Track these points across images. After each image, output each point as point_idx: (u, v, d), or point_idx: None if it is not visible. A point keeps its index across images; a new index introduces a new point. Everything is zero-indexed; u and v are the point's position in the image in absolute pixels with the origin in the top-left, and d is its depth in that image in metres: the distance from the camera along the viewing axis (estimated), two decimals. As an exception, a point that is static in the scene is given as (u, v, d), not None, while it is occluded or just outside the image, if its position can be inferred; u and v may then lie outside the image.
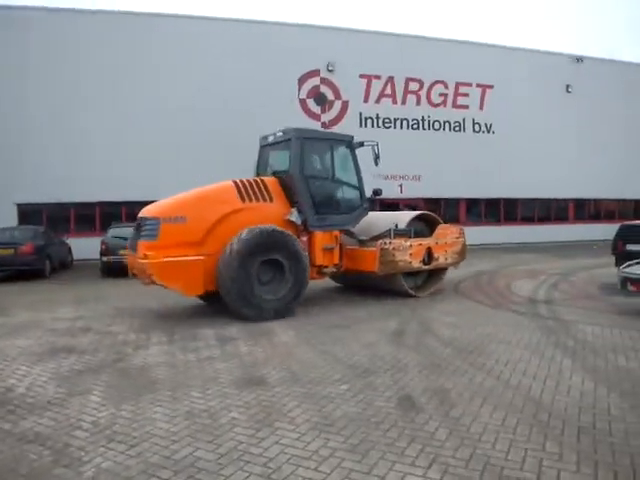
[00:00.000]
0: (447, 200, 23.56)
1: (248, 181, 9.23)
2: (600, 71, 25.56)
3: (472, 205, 24.11)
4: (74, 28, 18.63)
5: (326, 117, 21.17)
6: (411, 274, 10.58)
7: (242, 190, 8.97)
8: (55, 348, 6.90)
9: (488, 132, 23.93)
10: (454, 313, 8.89)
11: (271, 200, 9.22)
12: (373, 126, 21.90)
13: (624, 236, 11.38)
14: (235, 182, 9.07)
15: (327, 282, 12.21)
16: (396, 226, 10.13)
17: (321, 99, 21.01)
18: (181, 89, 19.51)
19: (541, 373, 5.56)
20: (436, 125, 23.03)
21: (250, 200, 8.97)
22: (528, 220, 25.21)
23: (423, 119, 22.76)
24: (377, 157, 10.52)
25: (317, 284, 12.15)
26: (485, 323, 8.04)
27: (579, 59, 25.32)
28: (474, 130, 23.77)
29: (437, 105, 22.99)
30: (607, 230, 25.48)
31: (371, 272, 9.74)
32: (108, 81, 18.91)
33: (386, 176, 22.13)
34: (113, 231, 15.27)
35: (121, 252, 14.24)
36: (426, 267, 10.47)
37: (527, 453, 3.78)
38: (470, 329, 7.62)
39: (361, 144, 10.54)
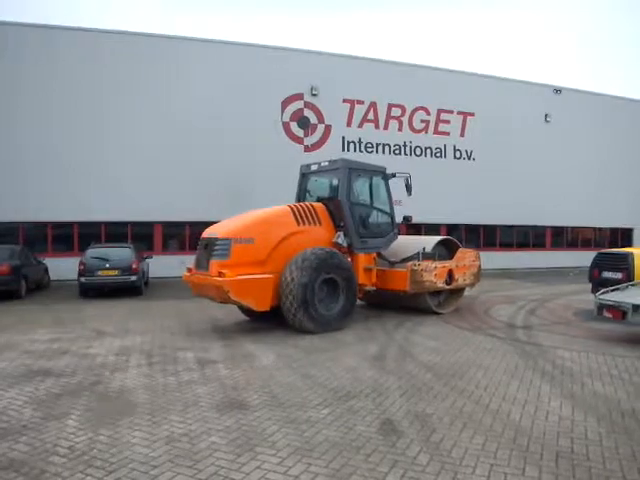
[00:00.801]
0: (427, 225, 23.79)
1: (301, 206, 10.12)
2: (577, 102, 26.37)
3: (452, 230, 24.38)
4: (65, 45, 18.73)
5: (309, 140, 21.41)
6: (434, 293, 11.49)
7: (297, 214, 9.86)
8: (31, 371, 6.76)
9: (469, 159, 24.39)
10: (435, 337, 8.95)
11: (320, 224, 10.14)
12: (355, 150, 22.18)
13: (600, 264, 11.62)
14: (291, 207, 9.97)
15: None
16: (424, 249, 11.07)
17: (304, 122, 21.26)
18: (168, 107, 19.60)
19: (520, 397, 5.63)
20: (417, 151, 23.42)
21: (304, 224, 9.87)
22: (507, 246, 25.59)
23: (405, 144, 23.13)
24: (409, 187, 11.51)
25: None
26: (465, 347, 8.11)
27: (558, 90, 26.09)
28: (455, 156, 24.21)
29: (419, 131, 23.41)
30: (583, 257, 26.03)
31: (402, 291, 10.70)
32: (97, 99, 18.93)
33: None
34: (92, 251, 15.07)
35: (100, 272, 14.09)
36: (448, 287, 11.48)
37: (507, 478, 3.81)
38: (450, 354, 7.68)
39: (393, 175, 11.46)
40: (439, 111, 23.69)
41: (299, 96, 21.20)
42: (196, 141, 19.93)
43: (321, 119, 21.57)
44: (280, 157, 20.78)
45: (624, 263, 10.99)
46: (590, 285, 12.01)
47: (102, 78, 19.03)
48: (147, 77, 19.47)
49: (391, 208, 11.39)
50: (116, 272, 14.15)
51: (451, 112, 23.93)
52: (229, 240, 8.98)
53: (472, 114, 24.24)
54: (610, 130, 26.73)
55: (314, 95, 21.26)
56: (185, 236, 20.55)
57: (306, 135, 21.37)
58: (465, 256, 11.98)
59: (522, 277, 21.54)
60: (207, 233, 9.74)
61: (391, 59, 23.18)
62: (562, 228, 26.87)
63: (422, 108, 23.35)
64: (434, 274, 10.98)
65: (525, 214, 24.80)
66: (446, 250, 11.90)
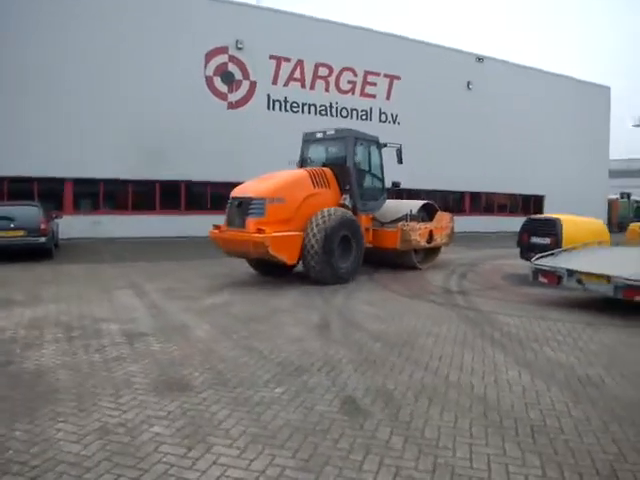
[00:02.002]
0: (353, 189, 23.63)
1: (315, 171, 11.02)
2: (498, 71, 26.94)
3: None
4: None
5: (233, 97, 20.19)
6: (416, 251, 12.76)
7: (313, 178, 10.74)
8: None
9: (394, 123, 24.27)
10: (375, 304, 8.67)
11: (329, 187, 11.04)
12: (281, 109, 21.28)
13: (529, 229, 11.85)
14: (308, 171, 10.95)
15: (247, 269, 11.60)
16: (411, 212, 12.35)
17: (229, 77, 19.97)
18: (83, 54, 17.59)
19: (477, 368, 5.43)
20: (344, 112, 22.91)
21: (319, 186, 10.79)
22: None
23: (331, 106, 22.53)
24: (400, 157, 12.48)
25: (239, 270, 11.52)
26: (408, 314, 7.88)
27: (480, 58, 26.46)
28: (380, 120, 23.98)
29: (345, 92, 22.86)
30: (500, 223, 27.26)
31: (393, 248, 11.92)
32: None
33: (293, 161, 21.65)
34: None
35: (3, 233, 12.65)
36: (429, 245, 12.84)
37: (490, 459, 3.53)
38: (395, 321, 7.41)
39: (385, 145, 12.40)
40: (366, 73, 23.24)
41: (224, 49, 19.83)
42: (113, 93, 18.14)
43: (246, 75, 20.38)
44: (203, 113, 19.50)
45: (553, 229, 11.25)
46: (518, 250, 12.24)
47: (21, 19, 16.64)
48: (69, 22, 17.27)
49: (382, 174, 12.42)
50: (22, 233, 12.62)
51: (378, 74, 23.56)
52: (264, 200, 9.80)
53: (398, 77, 24.03)
54: (528, 100, 27.63)
55: (239, 49, 19.98)
56: (99, 195, 18.86)
57: (230, 91, 20.13)
58: (442, 218, 13.39)
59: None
60: (238, 193, 10.45)
61: (319, 17, 22.23)
62: (479, 194, 27.74)
63: (349, 69, 22.77)
64: (419, 234, 12.28)
65: (446, 179, 25.24)
66: (426, 213, 13.14)
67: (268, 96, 20.94)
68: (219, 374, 5.01)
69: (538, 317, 7.95)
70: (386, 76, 23.76)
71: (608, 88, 32.54)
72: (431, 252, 13.41)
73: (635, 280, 7.65)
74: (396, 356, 5.76)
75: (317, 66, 21.88)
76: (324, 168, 11.36)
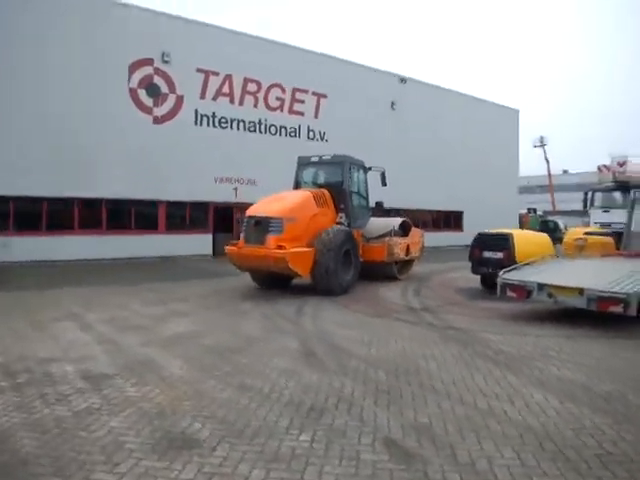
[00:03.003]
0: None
1: (317, 192, 12.11)
2: (420, 92, 27.72)
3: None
4: None
5: (159, 111, 18.97)
6: (395, 263, 13.86)
7: (316, 199, 11.82)
8: None
9: (322, 140, 24.08)
10: (347, 326, 8.11)
11: (328, 207, 12.18)
12: (209, 125, 20.31)
13: (481, 244, 11.90)
14: (311, 192, 11.99)
15: (185, 292, 10.61)
16: (394, 228, 13.76)
17: (154, 91, 18.74)
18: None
19: (499, 392, 5.05)
20: (272, 129, 22.36)
21: (320, 206, 11.86)
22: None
23: (260, 122, 21.89)
24: (384, 179, 13.88)
25: (176, 294, 10.51)
26: (389, 337, 7.39)
27: (403, 79, 27.06)
28: (309, 137, 23.69)
29: (274, 109, 22.34)
30: (426, 238, 27.70)
31: (380, 260, 13.11)
32: None
33: (220, 179, 20.85)
34: None
35: None
36: (406, 258, 14.19)
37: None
38: (382, 345, 6.89)
39: (369, 169, 13.75)
40: (294, 90, 22.90)
41: (149, 61, 18.60)
42: (31, 105, 16.31)
43: (173, 88, 19.26)
44: (127, 127, 18.14)
45: (505, 243, 11.36)
46: (469, 264, 12.27)
47: None
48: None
49: (367, 194, 13.78)
50: None
51: (306, 92, 23.32)
52: (282, 219, 10.81)
53: (325, 96, 23.94)
54: (447, 120, 28.65)
55: (165, 62, 18.83)
56: (9, 214, 16.75)
57: (156, 105, 18.89)
58: (415, 234, 14.85)
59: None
60: (255, 212, 11.26)
61: (247, 31, 21.66)
62: (405, 210, 28.13)
63: (278, 85, 22.31)
64: (399, 248, 13.63)
65: (372, 197, 25.34)
66: (401, 229, 14.37)
67: (196, 111, 19.92)
68: (225, 423, 4.20)
69: (518, 333, 7.80)
70: (314, 94, 23.58)
71: (517, 111, 34.70)
72: (406, 264, 14.64)
73: (609, 292, 7.72)
74: (408, 384, 5.24)
75: (246, 81, 21.21)
76: (322, 190, 12.40)
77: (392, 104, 26.49)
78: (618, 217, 18.71)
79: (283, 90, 22.53)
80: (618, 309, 7.60)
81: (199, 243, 20.20)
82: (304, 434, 4.00)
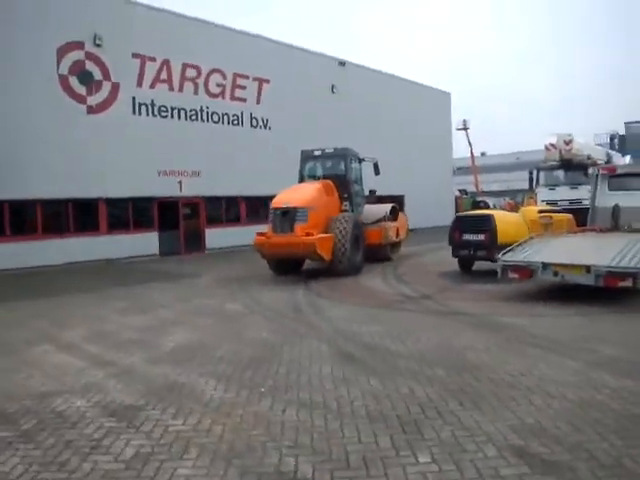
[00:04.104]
0: (227, 199, 22.01)
1: (324, 182, 13.32)
2: (359, 76, 27.36)
3: (251, 205, 23.06)
4: None
5: (93, 100, 17.28)
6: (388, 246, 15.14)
7: (325, 189, 13.03)
8: None
9: (265, 128, 23.18)
10: (361, 320, 7.60)
11: (333, 196, 13.37)
12: (148, 114, 18.83)
13: (460, 226, 11.75)
14: (321, 183, 13.28)
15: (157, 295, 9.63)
16: (387, 213, 15.11)
17: (87, 78, 17.03)
18: None
19: (573, 380, 4.78)
20: (215, 117, 21.15)
21: (328, 195, 13.07)
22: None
23: (202, 110, 20.62)
24: (377, 168, 15.44)
25: (145, 298, 9.50)
26: (413, 329, 6.98)
27: (342, 63, 26.56)
28: (252, 125, 22.68)
29: (215, 96, 21.10)
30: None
31: (378, 243, 14.30)
32: None
33: (163, 172, 19.54)
34: None
35: None
36: (397, 240, 15.68)
37: None
38: (413, 339, 6.43)
39: (363, 159, 15.13)
40: (235, 75, 21.78)
41: (79, 45, 16.85)
42: None
43: (107, 75, 17.59)
44: (58, 118, 16.43)
45: (487, 225, 11.25)
46: (450, 248, 12.09)
47: None
48: None
49: (362, 183, 15.01)
50: None
51: (247, 77, 22.26)
52: (307, 209, 11.99)
53: (267, 81, 23.00)
54: (386, 104, 28.50)
55: (98, 45, 17.11)
56: None
57: (89, 93, 17.20)
58: (402, 218, 16.40)
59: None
60: (281, 204, 12.22)
61: (184, 12, 20.20)
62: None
63: (218, 71, 21.09)
64: (392, 231, 15.05)
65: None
66: (391, 214, 15.48)
67: (133, 99, 18.36)
68: (320, 453, 3.53)
69: (534, 315, 7.68)
70: (255, 79, 22.57)
71: (449, 94, 35.35)
72: (395, 246, 15.84)
73: (619, 267, 7.72)
74: (476, 380, 4.83)
75: (185, 67, 19.85)
76: (327, 180, 13.58)
77: (332, 88, 25.99)
78: (563, 195, 19.51)
79: (224, 76, 21.38)
80: (627, 284, 7.63)
81: (144, 242, 18.80)
82: (420, 455, 3.45)
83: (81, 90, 17.02)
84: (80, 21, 16.70)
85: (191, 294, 10.71)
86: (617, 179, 12.51)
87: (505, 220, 11.62)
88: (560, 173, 20.30)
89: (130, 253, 18.13)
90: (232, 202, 22.36)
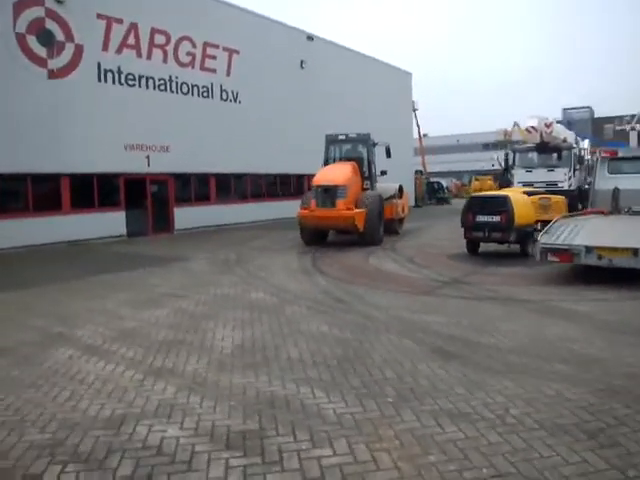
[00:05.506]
0: (197, 175, 20.67)
1: (353, 163, 14.90)
2: (327, 51, 26.35)
3: (221, 182, 21.83)
4: None
5: (55, 63, 15.41)
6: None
7: (355, 169, 14.71)
8: None
9: (235, 101, 21.82)
10: (414, 309, 7.00)
11: (357, 176, 14.85)
12: (114, 82, 17.06)
13: (474, 207, 11.36)
14: (350, 164, 14.81)
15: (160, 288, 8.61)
16: (396, 191, 16.82)
17: (47, 38, 15.10)
18: None
19: None
20: (184, 88, 19.60)
21: (356, 175, 14.76)
22: (274, 196, 24.47)
23: (171, 79, 19.03)
24: (388, 151, 16.26)
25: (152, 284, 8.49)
26: (481, 318, 6.47)
27: (310, 37, 25.38)
28: (222, 98, 21.28)
29: (185, 65, 19.50)
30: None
31: (390, 218, 16.06)
32: None
33: (130, 146, 18.00)
34: None
35: None
36: (403, 215, 17.80)
37: None
38: (494, 331, 5.91)
39: (377, 143, 16.27)
40: (205, 44, 20.23)
41: (39, 0, 14.94)
42: None
43: (70, 36, 15.72)
44: (15, 83, 14.58)
45: (503, 205, 10.91)
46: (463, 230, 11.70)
47: None
48: None
49: (375, 164, 16.18)
50: None
51: (217, 47, 20.75)
52: (346, 186, 13.76)
53: (237, 52, 21.61)
54: (352, 81, 27.70)
55: (59, 2, 15.21)
56: None
57: (50, 56, 15.32)
58: (405, 196, 18.14)
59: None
60: (322, 181, 13.97)
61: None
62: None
63: (188, 38, 19.49)
64: (400, 207, 17.02)
65: (288, 162, 24.00)
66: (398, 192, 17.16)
67: (98, 65, 16.58)
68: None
69: (589, 299, 7.46)
70: (225, 49, 21.12)
71: (411, 74, 34.96)
72: (400, 221, 17.51)
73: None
74: (631, 379, 4.35)
75: (153, 32, 18.16)
76: (351, 162, 15.03)
77: (301, 63, 24.93)
78: (539, 177, 19.64)
79: (194, 44, 19.83)
80: (679, 266, 7.48)
81: (111, 223, 17.26)
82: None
83: (41, 52, 15.15)
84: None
85: (195, 281, 9.70)
86: (617, 162, 12.47)
87: (519, 201, 11.33)
88: (535, 155, 20.44)
89: (95, 234, 16.60)
90: (202, 179, 21.07)
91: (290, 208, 24.02)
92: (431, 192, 41.28)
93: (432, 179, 44.84)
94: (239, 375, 4.76)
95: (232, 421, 3.83)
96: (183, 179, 20.36)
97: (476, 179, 58.03)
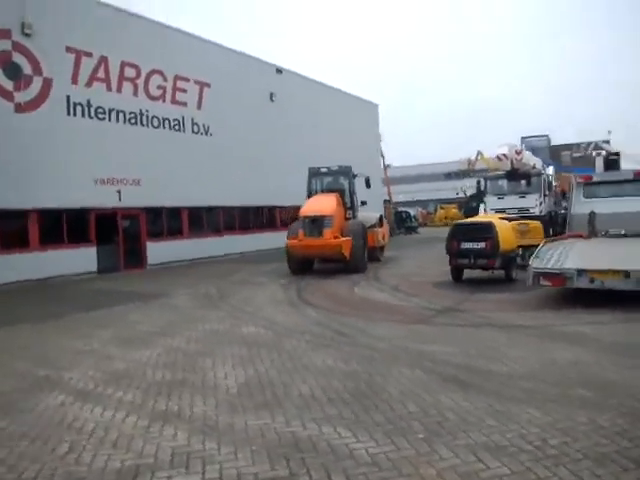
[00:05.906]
0: (169, 209, 20.28)
1: (336, 194, 15.74)
2: (296, 84, 26.61)
3: (194, 216, 21.46)
4: None
5: (22, 97, 15.00)
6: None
7: (338, 200, 15.45)
8: None
9: (206, 134, 21.66)
10: (418, 340, 6.87)
11: (341, 206, 15.59)
12: (84, 115, 16.72)
13: (459, 235, 11.40)
14: (334, 195, 15.63)
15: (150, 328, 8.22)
16: (377, 220, 17.35)
17: (15, 71, 14.73)
18: None
19: None
20: (155, 122, 19.35)
21: (340, 206, 15.49)
22: (247, 229, 24.18)
23: (142, 113, 18.78)
24: (368, 183, 17.59)
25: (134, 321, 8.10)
26: (487, 346, 6.39)
27: (279, 70, 25.62)
28: (193, 131, 21.10)
29: (156, 99, 19.33)
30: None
31: (372, 246, 16.32)
32: None
33: (101, 180, 17.58)
34: None
35: None
36: (383, 243, 18.16)
37: None
38: (503, 358, 5.83)
39: (356, 175, 17.21)
40: (176, 77, 20.13)
41: (5, 33, 14.53)
42: None
43: (38, 70, 15.35)
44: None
45: (488, 232, 11.00)
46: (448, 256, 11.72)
47: None
48: None
49: (357, 195, 17.10)
50: None
51: (188, 80, 20.69)
52: (332, 216, 14.47)
53: (208, 85, 21.60)
54: (321, 114, 28.02)
55: (27, 35, 14.86)
56: None
57: (18, 89, 14.92)
58: (385, 225, 18.96)
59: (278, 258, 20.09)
60: (309, 212, 14.65)
61: (122, 6, 18.33)
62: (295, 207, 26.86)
63: (158, 72, 19.35)
64: (381, 235, 17.51)
65: (260, 194, 23.85)
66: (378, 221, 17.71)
67: (68, 98, 16.23)
68: None
69: (587, 322, 7.44)
70: (196, 82, 21.06)
71: (377, 105, 35.64)
72: (381, 249, 18.00)
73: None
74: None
75: (123, 65, 17.96)
76: (334, 193, 15.84)
77: (271, 95, 25.10)
78: (511, 203, 20.03)
79: (164, 77, 19.72)
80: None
81: (81, 259, 16.65)
82: None
83: (8, 85, 14.75)
84: (6, 5, 14.48)
85: (181, 317, 9.34)
86: (592, 187, 12.81)
87: (503, 227, 11.45)
88: (505, 182, 20.86)
89: (65, 271, 15.96)
90: (174, 213, 20.67)
91: (263, 240, 23.90)
92: (399, 221, 41.68)
93: (400, 209, 45.40)
94: (253, 416, 4.48)
95: (258, 467, 3.56)
96: (155, 213, 19.92)
97: (441, 207, 59.37)
